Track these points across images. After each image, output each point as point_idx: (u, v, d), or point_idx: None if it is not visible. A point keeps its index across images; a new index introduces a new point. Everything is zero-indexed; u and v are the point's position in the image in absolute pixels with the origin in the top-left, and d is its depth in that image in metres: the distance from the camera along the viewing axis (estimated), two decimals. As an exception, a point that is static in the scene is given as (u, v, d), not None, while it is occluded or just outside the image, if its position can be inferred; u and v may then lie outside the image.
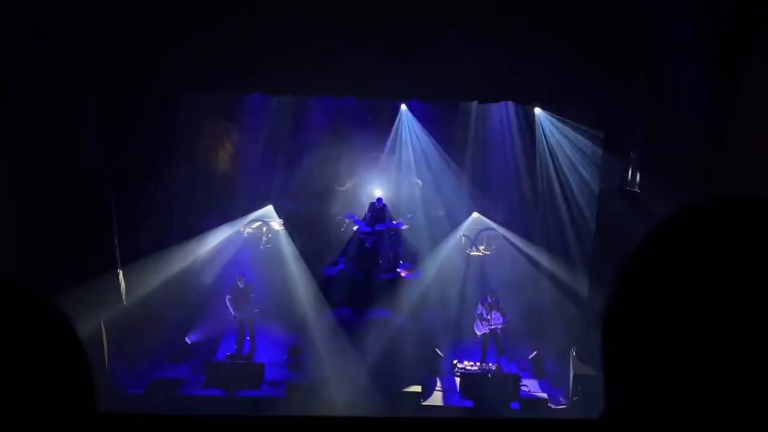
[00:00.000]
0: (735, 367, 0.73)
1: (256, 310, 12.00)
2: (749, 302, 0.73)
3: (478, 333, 11.77)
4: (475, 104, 13.59)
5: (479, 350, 11.80)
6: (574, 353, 11.01)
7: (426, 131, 14.69)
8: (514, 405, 10.82)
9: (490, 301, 11.71)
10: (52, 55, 8.95)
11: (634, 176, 10.33)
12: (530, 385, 11.37)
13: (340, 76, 10.13)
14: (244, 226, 14.29)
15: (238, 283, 11.91)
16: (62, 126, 9.44)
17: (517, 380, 11.09)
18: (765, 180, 7.24)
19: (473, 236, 14.52)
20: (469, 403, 10.86)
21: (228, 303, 11.83)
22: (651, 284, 0.82)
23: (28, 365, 0.89)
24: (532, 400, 11.02)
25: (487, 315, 11.62)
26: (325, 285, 13.30)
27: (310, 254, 13.78)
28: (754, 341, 0.72)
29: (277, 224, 14.48)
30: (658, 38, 9.40)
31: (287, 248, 13.89)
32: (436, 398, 11.11)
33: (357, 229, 14.39)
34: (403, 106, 14.61)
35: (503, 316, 11.61)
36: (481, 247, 14.46)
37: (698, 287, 0.76)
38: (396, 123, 14.87)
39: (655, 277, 0.82)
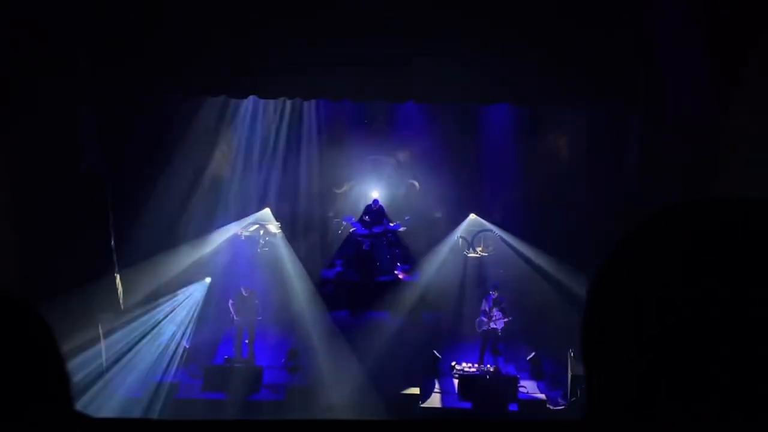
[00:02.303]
0: (711, 364, 0.73)
1: (258, 318, 11.97)
2: (730, 303, 0.74)
3: (478, 330, 11.78)
4: (472, 105, 13.60)
5: (477, 352, 11.82)
6: (572, 354, 11.01)
7: (423, 132, 14.70)
8: (513, 406, 10.83)
9: (493, 297, 11.74)
10: (52, 57, 8.94)
11: (631, 176, 10.34)
12: (528, 387, 11.38)
13: (336, 79, 10.13)
14: (242, 230, 14.28)
15: (243, 292, 11.88)
16: (61, 129, 9.43)
17: (515, 381, 11.09)
18: (762, 180, 7.26)
19: (470, 238, 14.53)
20: (467, 405, 10.87)
21: (230, 306, 11.83)
22: (630, 286, 0.83)
23: (4, 372, 0.90)
24: (531, 402, 11.03)
25: (490, 311, 11.64)
26: (322, 288, 13.31)
27: (307, 257, 13.78)
28: (728, 339, 0.73)
29: (274, 227, 14.47)
30: (656, 39, 9.42)
31: (285, 251, 13.87)
32: (435, 400, 11.10)
33: (354, 231, 14.39)
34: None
35: (505, 315, 11.62)
36: (479, 249, 14.47)
37: (673, 287, 0.77)
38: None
39: (635, 279, 0.83)
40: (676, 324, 0.76)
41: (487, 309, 11.71)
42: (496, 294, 11.77)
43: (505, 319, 11.65)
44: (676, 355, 0.75)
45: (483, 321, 11.74)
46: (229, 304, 11.85)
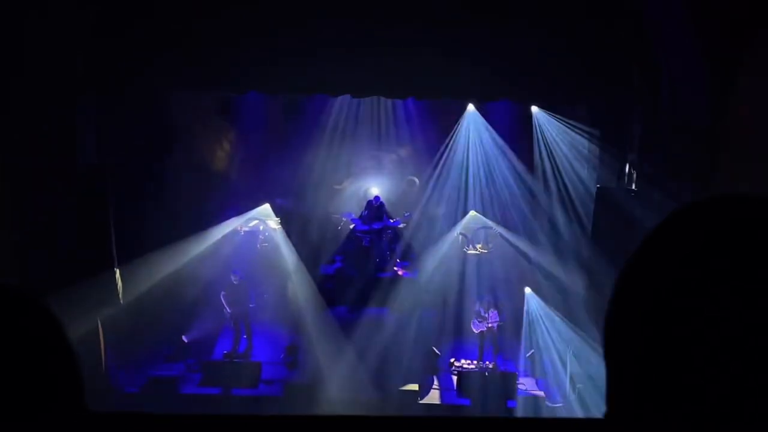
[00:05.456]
0: (732, 365, 0.73)
1: (251, 305, 12.01)
2: (745, 301, 0.74)
3: (475, 331, 11.78)
4: (472, 102, 13.60)
5: (476, 348, 11.82)
6: (571, 351, 11.02)
7: (424, 130, 14.70)
8: (511, 403, 10.83)
9: (487, 299, 11.72)
10: (49, 54, 8.92)
11: (630, 174, 10.35)
12: (527, 384, 11.39)
13: (336, 75, 10.13)
14: (241, 225, 14.27)
15: (233, 279, 11.92)
16: (59, 124, 9.41)
17: (514, 378, 11.10)
18: (761, 177, 7.25)
19: (470, 234, 14.52)
20: (466, 402, 10.87)
21: (222, 299, 11.85)
22: (649, 285, 0.83)
23: (17, 366, 0.90)
24: (529, 399, 11.04)
25: (485, 313, 11.63)
26: (322, 283, 13.31)
27: (307, 253, 13.78)
28: (749, 339, 0.73)
29: (274, 223, 14.47)
30: (654, 36, 9.41)
31: (284, 247, 13.87)
32: (434, 396, 11.12)
33: (354, 227, 14.40)
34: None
35: (500, 314, 11.62)
36: (479, 246, 14.46)
37: (695, 287, 0.77)
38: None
39: (653, 278, 0.83)
40: (699, 325, 0.75)
41: (481, 311, 11.69)
42: (490, 296, 11.75)
43: (501, 320, 11.63)
44: (695, 354, 0.75)
45: (477, 323, 11.72)
46: (221, 297, 11.86)
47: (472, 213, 14.55)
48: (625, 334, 0.84)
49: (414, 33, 9.57)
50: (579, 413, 10.19)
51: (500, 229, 14.14)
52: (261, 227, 14.47)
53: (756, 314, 0.73)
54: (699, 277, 0.77)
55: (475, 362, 11.62)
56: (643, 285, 0.83)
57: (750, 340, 0.72)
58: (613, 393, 0.87)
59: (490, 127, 14.23)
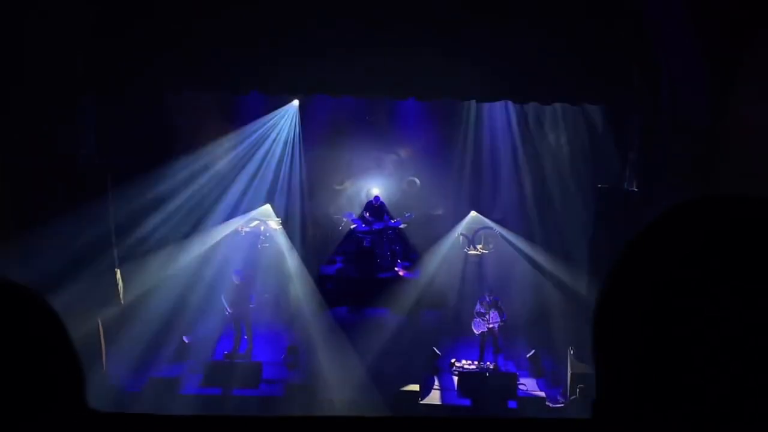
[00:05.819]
0: (732, 365, 0.73)
1: (251, 305, 12.02)
2: (745, 301, 0.74)
3: (476, 331, 11.79)
4: (473, 103, 13.61)
5: (477, 349, 11.83)
6: (571, 352, 11.02)
7: (424, 130, 14.71)
8: (512, 404, 10.83)
9: (488, 299, 11.73)
10: (49, 54, 8.92)
11: (632, 175, 10.35)
12: (528, 384, 11.38)
13: (337, 75, 10.13)
14: (242, 225, 14.28)
15: (234, 280, 11.93)
16: (59, 124, 9.42)
17: (514, 379, 11.10)
18: (761, 177, 7.25)
19: (471, 235, 14.53)
20: (466, 402, 10.87)
21: (223, 299, 11.86)
22: (637, 283, 0.83)
23: (18, 364, 0.90)
24: (530, 399, 11.03)
25: (486, 313, 11.63)
26: (322, 284, 13.32)
27: (307, 253, 13.78)
28: (749, 339, 0.73)
29: (275, 223, 14.47)
30: (654, 36, 9.42)
31: (285, 247, 13.88)
32: (434, 397, 11.11)
33: (355, 228, 14.41)
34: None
35: (501, 314, 11.63)
36: (479, 246, 14.47)
37: (695, 287, 0.77)
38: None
39: (641, 276, 0.83)
40: (699, 325, 0.75)
41: (482, 311, 11.69)
42: (491, 297, 11.76)
43: (502, 320, 11.65)
44: (695, 354, 0.75)
45: (479, 323, 11.73)
46: (222, 297, 11.87)
47: (472, 213, 14.56)
48: (623, 333, 0.84)
49: (414, 33, 9.57)
50: (579, 413, 10.19)
51: (500, 230, 14.14)
52: (262, 227, 14.47)
53: (756, 314, 0.73)
54: (699, 277, 0.77)
55: (475, 362, 11.63)
56: (641, 284, 0.83)
57: (750, 340, 0.72)
58: (607, 391, 0.87)
59: (490, 126, 14.29)
